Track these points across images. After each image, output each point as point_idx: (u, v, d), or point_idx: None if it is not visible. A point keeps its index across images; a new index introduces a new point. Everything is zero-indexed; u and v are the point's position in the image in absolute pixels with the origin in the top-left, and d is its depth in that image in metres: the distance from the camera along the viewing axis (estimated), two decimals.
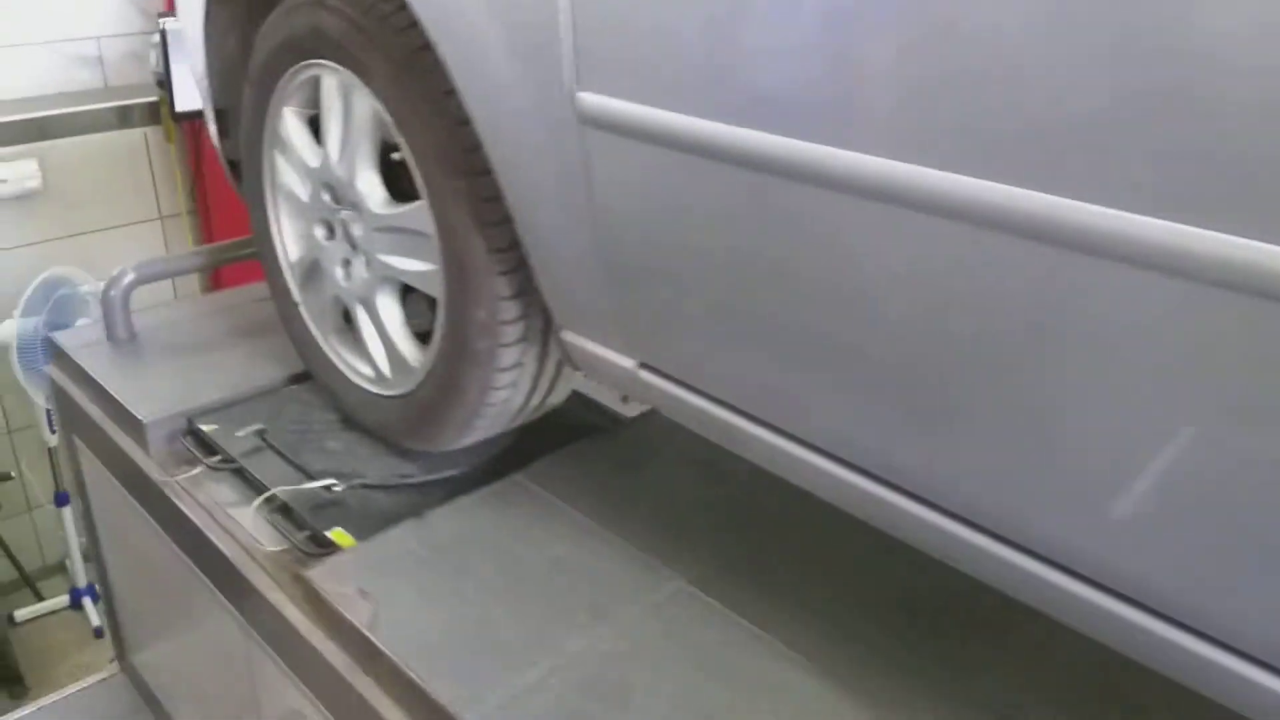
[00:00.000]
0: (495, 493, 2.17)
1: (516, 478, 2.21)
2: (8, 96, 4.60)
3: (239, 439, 2.34)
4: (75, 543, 5.03)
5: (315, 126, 2.19)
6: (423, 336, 2.10)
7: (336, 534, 2.04)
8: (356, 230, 2.11)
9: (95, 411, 2.59)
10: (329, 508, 2.12)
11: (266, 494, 2.14)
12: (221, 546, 2.11)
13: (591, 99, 1.44)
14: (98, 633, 4.96)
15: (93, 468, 2.74)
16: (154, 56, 4.65)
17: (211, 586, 2.22)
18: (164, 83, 4.63)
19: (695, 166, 1.31)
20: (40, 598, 5.21)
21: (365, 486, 2.19)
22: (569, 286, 1.69)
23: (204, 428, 2.39)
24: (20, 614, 5.11)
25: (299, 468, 2.24)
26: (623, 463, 2.28)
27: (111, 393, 2.52)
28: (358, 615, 1.79)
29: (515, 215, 1.70)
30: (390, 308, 2.13)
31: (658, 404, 1.74)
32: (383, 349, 2.19)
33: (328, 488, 2.15)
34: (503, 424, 2.09)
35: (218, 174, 5.30)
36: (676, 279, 1.50)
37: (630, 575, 1.90)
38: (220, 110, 2.52)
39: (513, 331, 1.89)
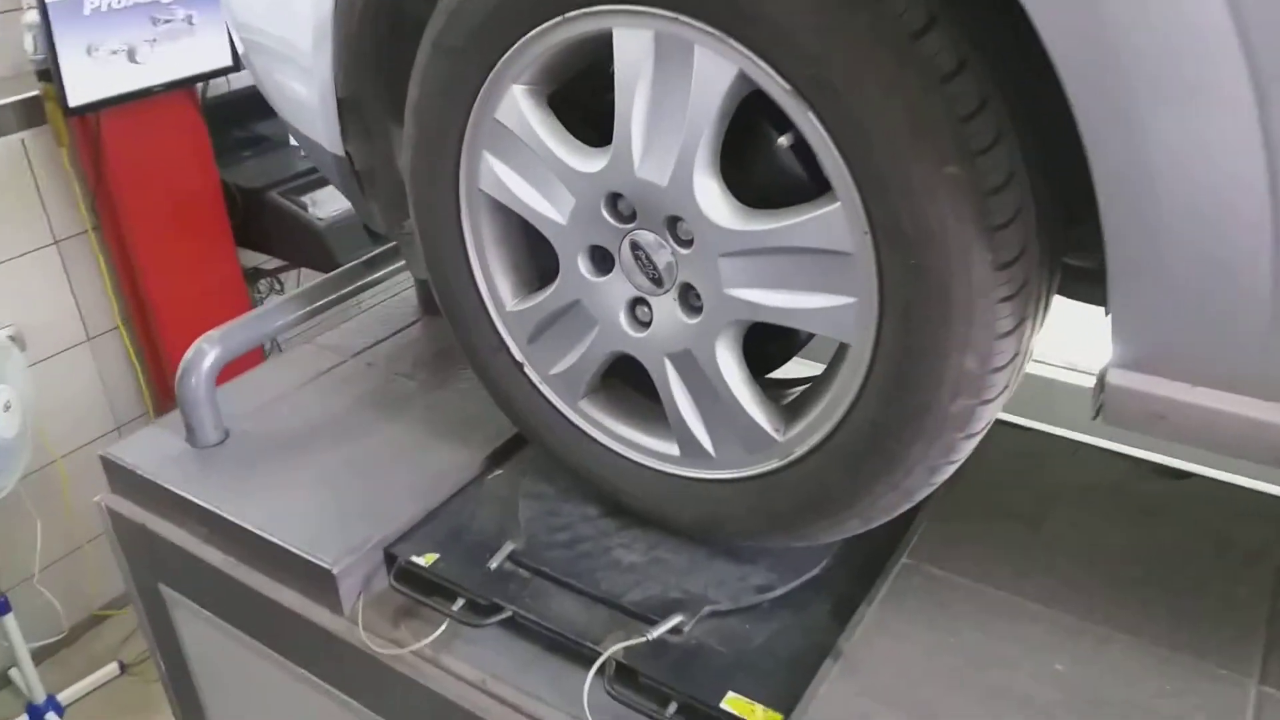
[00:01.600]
0: (896, 591, 1.58)
1: (905, 562, 1.63)
2: None
3: (489, 572, 1.64)
4: (24, 650, 4.05)
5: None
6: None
7: (736, 703, 1.41)
8: (670, 257, 1.43)
9: (215, 556, 1.82)
10: (685, 659, 1.48)
11: (602, 657, 1.47)
12: None
13: None
14: None
15: (209, 635, 1.95)
16: (30, 40, 3.57)
17: None
18: (48, 72, 3.58)
19: None
20: None
21: (718, 614, 1.55)
22: (1224, 314, 1.10)
23: (420, 561, 1.68)
24: None
25: (609, 602, 1.58)
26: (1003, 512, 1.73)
27: (247, 527, 1.75)
28: None
29: (1126, 210, 1.08)
30: (730, 362, 1.47)
31: None
32: (703, 419, 1.53)
33: (676, 629, 1.51)
34: (911, 503, 1.48)
35: (128, 177, 4.31)
36: None
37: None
38: (344, 101, 1.73)
39: (1000, 382, 1.29)
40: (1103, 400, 1.23)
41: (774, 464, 1.49)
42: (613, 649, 1.48)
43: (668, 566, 1.64)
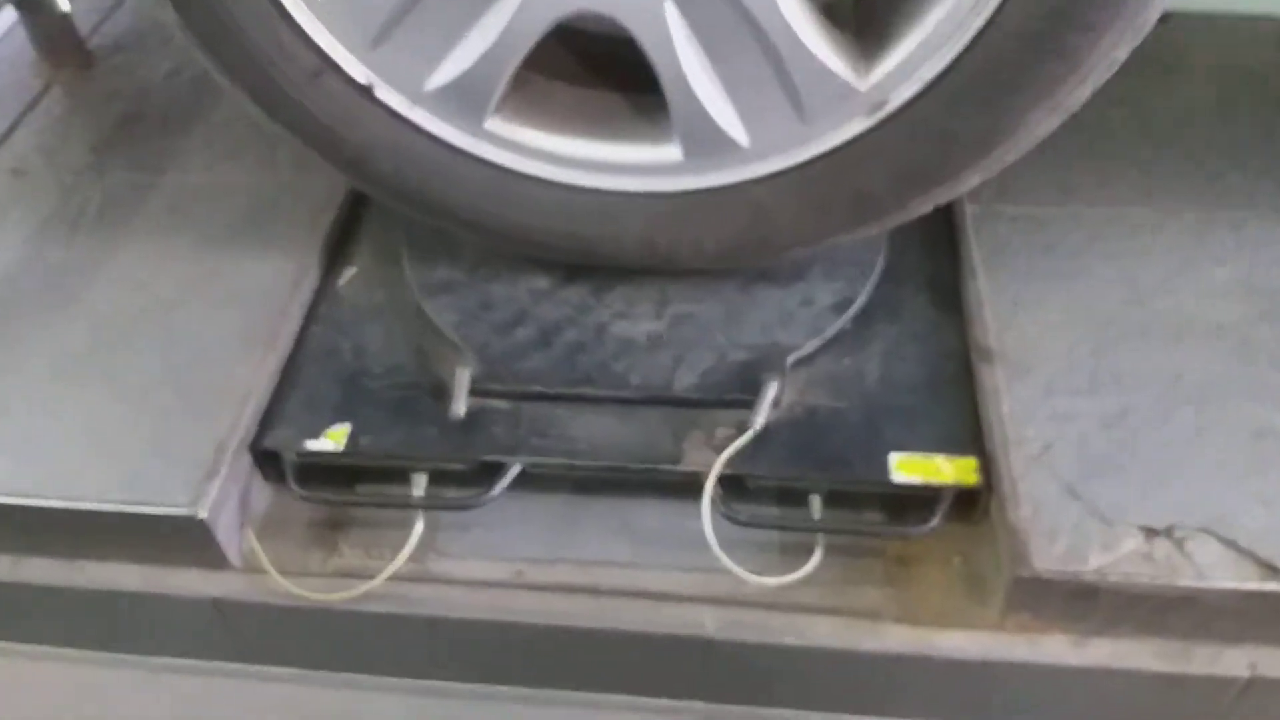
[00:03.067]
0: (987, 249, 1.17)
1: (973, 209, 1.21)
2: None
3: (453, 423, 1.03)
4: None
5: None
6: None
7: (911, 465, 0.98)
8: None
9: None
10: (804, 436, 1.02)
11: (711, 477, 0.96)
12: None
13: None
14: None
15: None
16: None
17: None
18: None
19: None
20: None
21: (806, 360, 1.07)
22: None
23: (328, 444, 1.03)
24: None
25: (656, 400, 1.05)
26: None
27: (21, 503, 0.99)
28: None
29: None
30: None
31: None
32: (727, 89, 0.96)
33: (774, 401, 1.02)
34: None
35: None
36: None
37: None
38: None
39: None
40: None
41: (854, 128, 0.97)
42: (717, 461, 0.98)
43: (699, 323, 1.12)
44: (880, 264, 1.17)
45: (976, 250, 1.18)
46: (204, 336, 1.12)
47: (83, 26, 1.62)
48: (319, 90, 1.02)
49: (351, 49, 0.99)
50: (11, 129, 1.45)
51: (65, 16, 1.56)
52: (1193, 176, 1.25)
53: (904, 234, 1.17)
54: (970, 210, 1.23)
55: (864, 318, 1.13)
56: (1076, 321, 1.10)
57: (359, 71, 1.00)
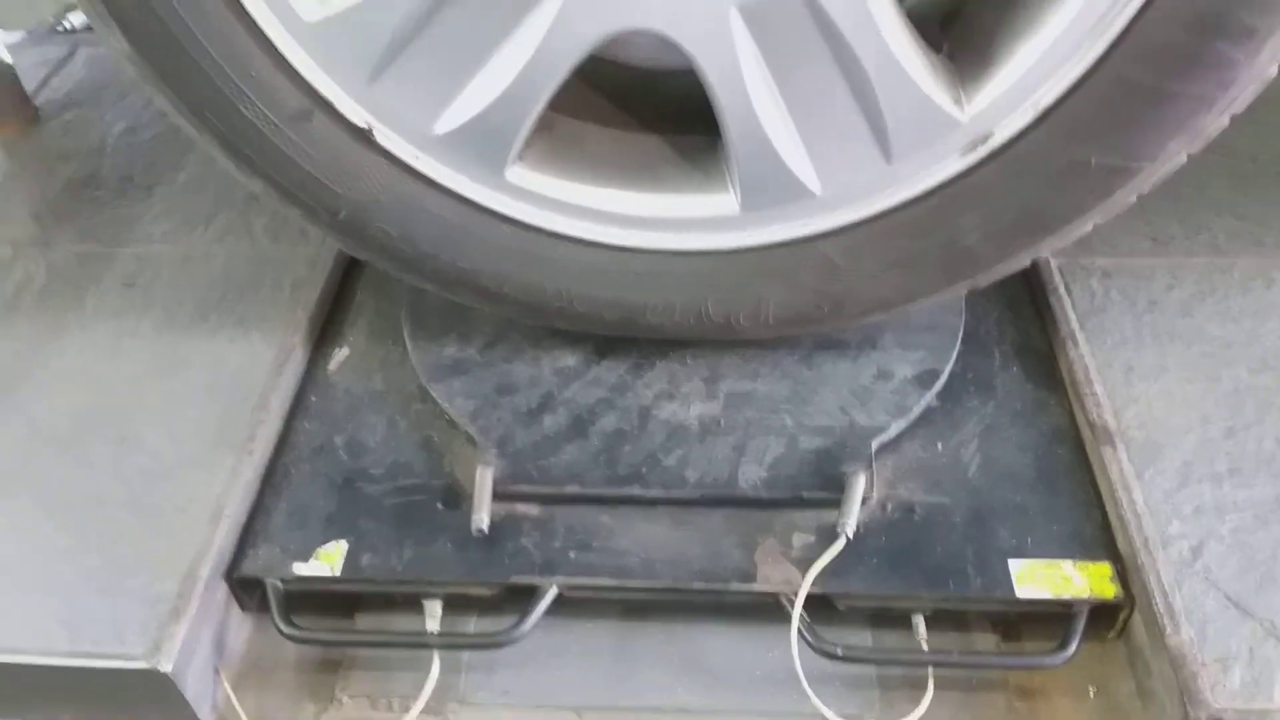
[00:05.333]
0: (1083, 310, 1.01)
1: (1058, 263, 1.06)
2: None
3: (474, 537, 0.85)
4: None
5: None
6: None
7: (1036, 573, 0.80)
8: None
9: None
10: (902, 542, 0.84)
11: (798, 600, 0.78)
12: None
13: None
14: None
15: None
16: None
17: None
18: None
19: None
20: None
21: (891, 445, 0.90)
22: None
23: (321, 568, 0.83)
24: None
25: (718, 500, 0.87)
26: None
27: None
28: None
29: None
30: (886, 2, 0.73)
31: None
32: (799, 128, 0.80)
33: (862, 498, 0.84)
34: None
35: None
36: None
37: None
38: None
39: None
40: None
41: (950, 167, 0.82)
42: (805, 579, 0.79)
43: (761, 402, 0.94)
44: (961, 328, 1.01)
45: (1072, 311, 1.02)
46: (165, 440, 0.93)
47: (28, 80, 1.44)
48: (306, 135, 0.84)
49: (345, 84, 0.82)
50: None
51: (8, 68, 1.39)
52: None
53: (981, 291, 1.01)
54: (1054, 264, 1.08)
55: (951, 392, 0.96)
56: (1203, 393, 0.93)
57: (355, 112, 0.83)
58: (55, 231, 1.18)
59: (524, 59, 0.79)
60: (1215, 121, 0.78)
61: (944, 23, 0.88)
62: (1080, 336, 0.99)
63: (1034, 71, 0.77)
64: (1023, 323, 1.04)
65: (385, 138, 0.86)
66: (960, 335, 1.00)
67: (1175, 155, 0.80)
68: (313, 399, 0.99)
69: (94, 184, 1.26)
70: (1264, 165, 1.19)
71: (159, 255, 1.14)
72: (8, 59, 1.39)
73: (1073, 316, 1.01)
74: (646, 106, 0.94)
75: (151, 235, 1.17)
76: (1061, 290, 1.04)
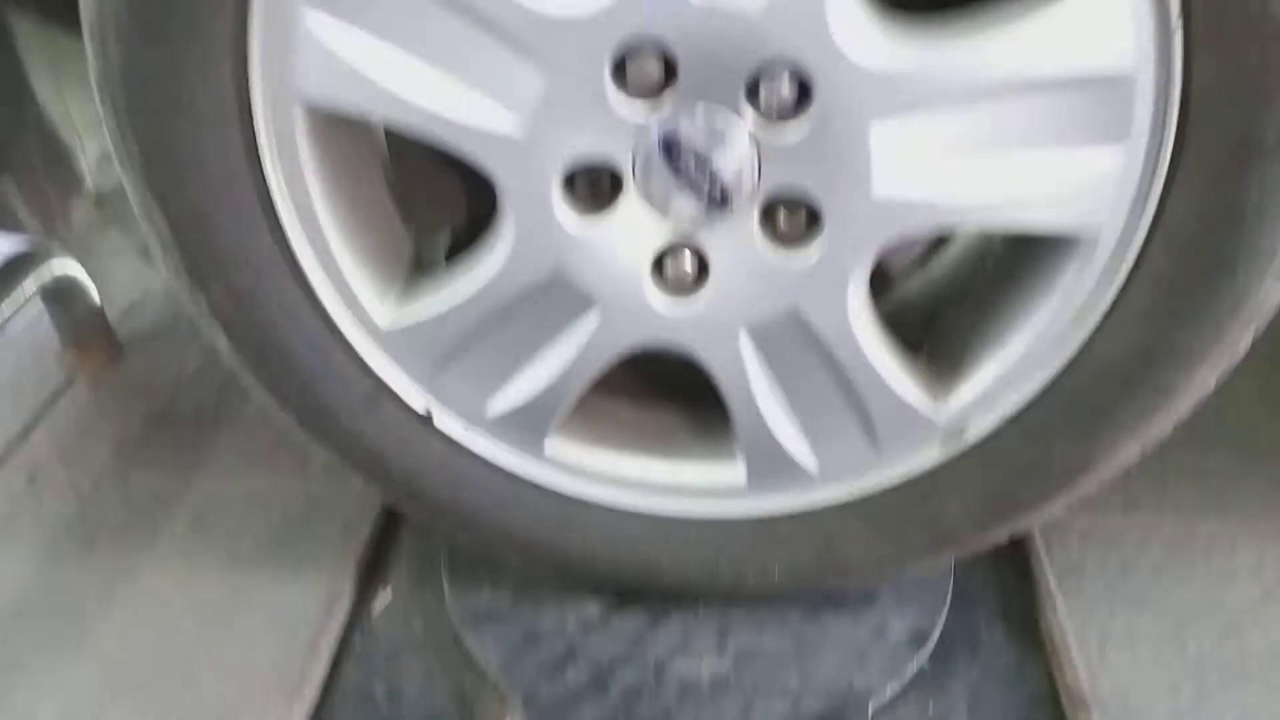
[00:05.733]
0: (1064, 572, 1.11)
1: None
2: None
3: None
4: None
5: None
6: None
7: None
8: (746, 149, 0.77)
9: None
10: None
11: None
12: None
13: None
14: None
15: None
16: None
17: None
18: None
19: None
20: None
21: (888, 708, 0.98)
22: None
23: None
24: None
25: None
26: None
27: None
28: None
29: None
30: (863, 315, 0.86)
31: None
32: (798, 416, 0.93)
33: None
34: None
35: None
36: None
37: None
38: None
39: None
40: None
41: (930, 456, 0.94)
42: None
43: (767, 659, 1.03)
44: (950, 587, 1.10)
45: (1050, 573, 1.11)
46: (226, 681, 1.02)
47: (112, 314, 1.61)
48: (374, 416, 0.98)
49: (412, 376, 0.96)
50: (29, 429, 1.40)
51: (98, 310, 1.56)
52: (1258, 482, 1.22)
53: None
54: (1034, 525, 1.18)
55: (941, 653, 1.04)
56: (1172, 661, 1.02)
57: (417, 399, 0.97)
58: (133, 465, 1.32)
59: (564, 362, 0.93)
60: (1163, 426, 0.91)
61: (924, 324, 1.03)
62: (1059, 600, 1.08)
63: (1001, 381, 0.90)
64: (1006, 580, 1.13)
65: (441, 420, 0.99)
66: (949, 594, 1.09)
67: (1130, 451, 0.93)
68: (357, 642, 1.08)
69: (169, 418, 1.40)
70: (1228, 428, 1.31)
71: (225, 491, 1.27)
72: (96, 300, 1.56)
73: (1051, 579, 1.11)
74: (667, 383, 1.08)
75: (219, 471, 1.30)
76: (1041, 552, 1.14)
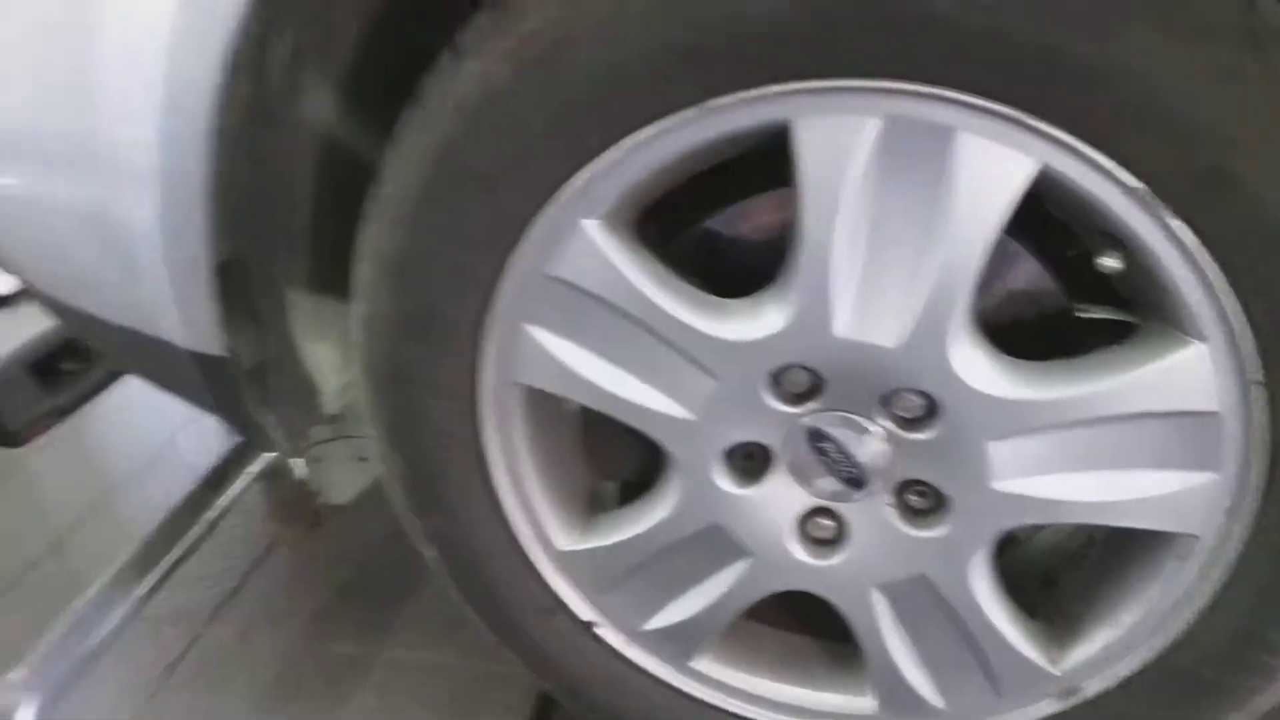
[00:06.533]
0: None
1: None
2: None
3: None
4: None
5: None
6: None
7: None
8: (882, 446, 0.91)
9: None
10: None
11: None
12: None
13: None
14: None
15: None
16: None
17: None
18: None
19: None
20: None
21: None
22: None
23: None
24: None
25: None
26: None
27: None
28: None
29: None
30: (984, 585, 0.97)
31: None
32: (924, 660, 1.04)
33: None
34: None
35: None
36: None
37: None
38: (225, 266, 1.04)
39: None
40: None
41: (1046, 708, 1.03)
42: None
43: None
44: None
45: None
46: None
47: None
48: (548, 625, 1.15)
49: (583, 592, 1.12)
50: (238, 588, 1.63)
51: (301, 483, 1.79)
52: None
53: None
54: None
55: None
56: None
57: (585, 611, 1.13)
58: (328, 634, 1.52)
59: (715, 595, 1.07)
60: (1267, 700, 0.98)
61: (1043, 584, 1.13)
62: None
63: (1111, 648, 0.99)
64: None
65: (605, 631, 1.15)
66: None
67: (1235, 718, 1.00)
68: None
69: (360, 589, 1.60)
70: None
71: (405, 663, 1.45)
72: (303, 474, 1.79)
73: None
74: (809, 615, 1.20)
75: (400, 643, 1.49)
76: None
